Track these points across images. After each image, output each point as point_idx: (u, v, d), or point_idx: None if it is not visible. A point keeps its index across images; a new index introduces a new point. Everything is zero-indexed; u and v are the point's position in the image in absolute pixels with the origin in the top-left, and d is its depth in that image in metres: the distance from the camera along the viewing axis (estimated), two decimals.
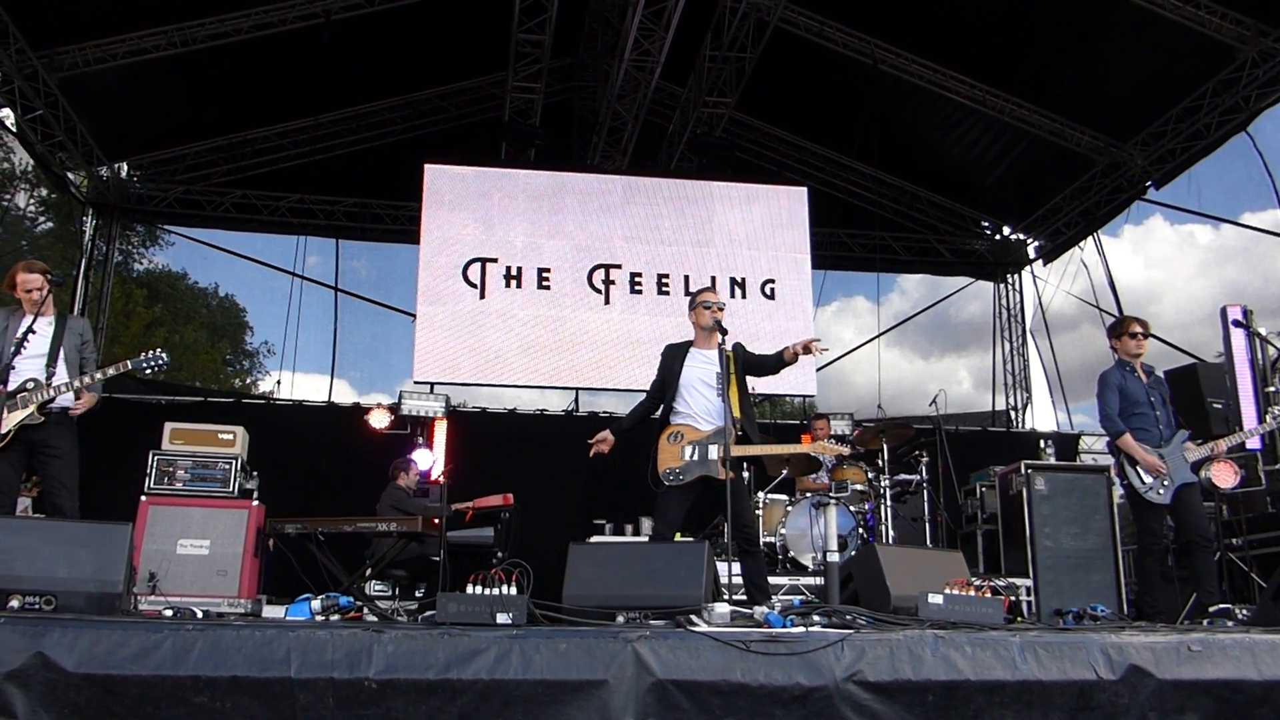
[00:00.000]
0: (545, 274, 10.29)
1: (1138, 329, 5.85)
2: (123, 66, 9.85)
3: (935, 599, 3.86)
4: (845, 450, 5.47)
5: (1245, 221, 10.79)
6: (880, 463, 7.55)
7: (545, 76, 10.04)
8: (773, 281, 10.65)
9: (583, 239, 10.47)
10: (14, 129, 10.21)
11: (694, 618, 3.59)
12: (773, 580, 6.20)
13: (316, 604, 4.03)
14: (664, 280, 10.48)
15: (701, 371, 5.02)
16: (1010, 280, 13.44)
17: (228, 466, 6.09)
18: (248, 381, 21.91)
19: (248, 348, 22.42)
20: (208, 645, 3.01)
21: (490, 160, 10.73)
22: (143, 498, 5.96)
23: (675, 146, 11.27)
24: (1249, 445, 7.19)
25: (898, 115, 11.52)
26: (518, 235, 10.37)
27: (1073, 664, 3.40)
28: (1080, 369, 12.45)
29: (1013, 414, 12.93)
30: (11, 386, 4.76)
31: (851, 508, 7.27)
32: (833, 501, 6.91)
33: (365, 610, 4.17)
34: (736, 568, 4.90)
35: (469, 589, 3.47)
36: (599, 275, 10.39)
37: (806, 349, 4.89)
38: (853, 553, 6.67)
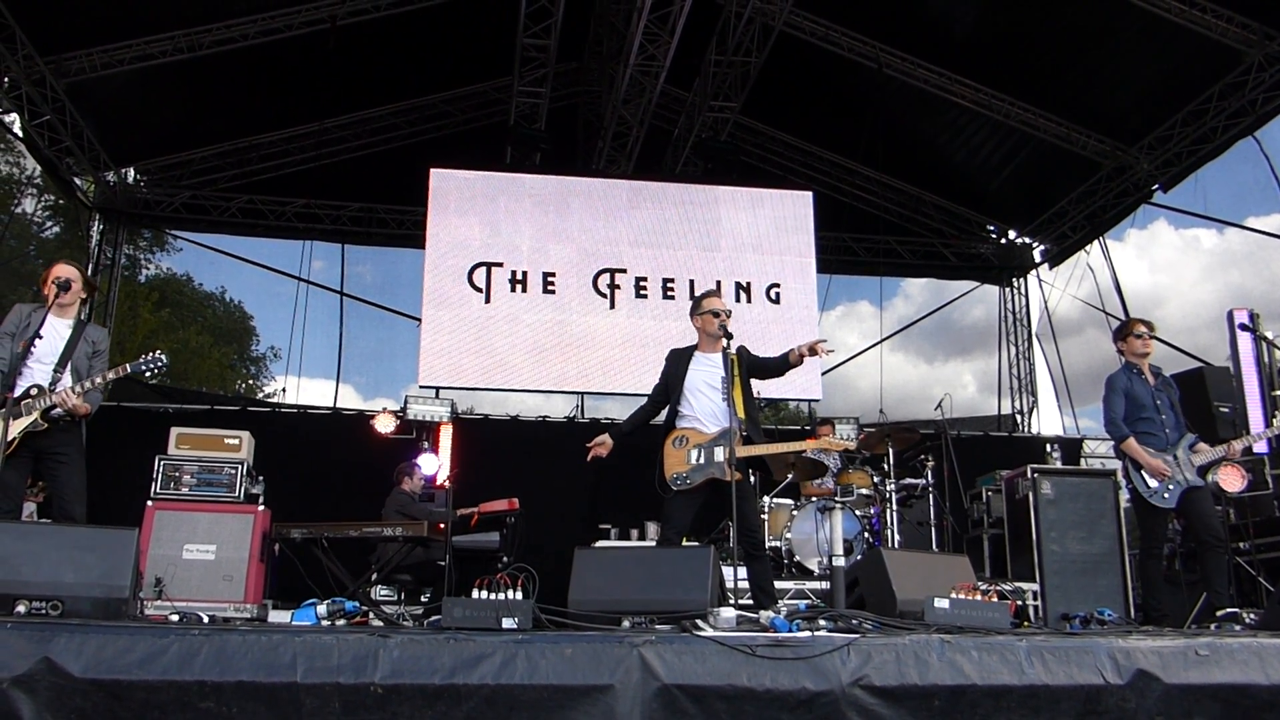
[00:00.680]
0: (551, 278, 10.30)
1: (1142, 329, 5.83)
2: (130, 72, 9.90)
3: (941, 603, 3.85)
4: (851, 445, 5.46)
5: (1251, 225, 10.79)
6: (886, 467, 7.54)
7: (550, 81, 10.07)
8: (778, 286, 10.65)
9: (588, 243, 10.48)
10: (21, 134, 10.26)
11: (700, 622, 3.58)
12: (778, 584, 6.17)
13: (322, 609, 4.05)
14: (669, 285, 10.48)
15: (706, 375, 5.01)
16: (1015, 284, 13.43)
17: (234, 471, 6.08)
18: (253, 385, 22.00)
19: (254, 352, 22.53)
20: (214, 650, 3.01)
21: (495, 165, 10.75)
22: (149, 502, 5.92)
23: (680, 151, 11.29)
24: (1256, 449, 7.17)
25: (903, 119, 11.52)
26: (523, 239, 10.38)
27: (1080, 669, 3.38)
28: (1086, 373, 12.45)
29: (1018, 418, 12.91)
30: (17, 392, 4.71)
31: (857, 512, 7.25)
32: (838, 506, 6.88)
33: (371, 615, 4.18)
34: (742, 572, 4.89)
35: (474, 594, 3.47)
36: (604, 279, 10.40)
37: (812, 350, 4.87)
38: (858, 557, 6.64)
